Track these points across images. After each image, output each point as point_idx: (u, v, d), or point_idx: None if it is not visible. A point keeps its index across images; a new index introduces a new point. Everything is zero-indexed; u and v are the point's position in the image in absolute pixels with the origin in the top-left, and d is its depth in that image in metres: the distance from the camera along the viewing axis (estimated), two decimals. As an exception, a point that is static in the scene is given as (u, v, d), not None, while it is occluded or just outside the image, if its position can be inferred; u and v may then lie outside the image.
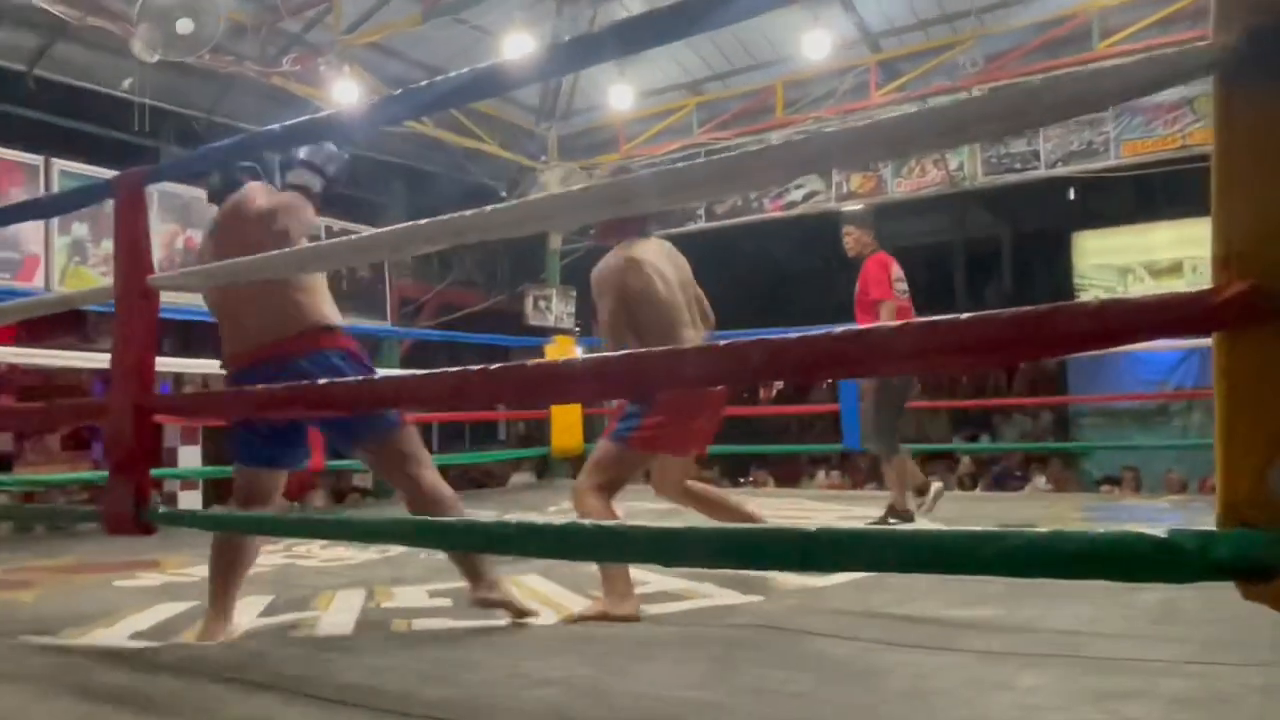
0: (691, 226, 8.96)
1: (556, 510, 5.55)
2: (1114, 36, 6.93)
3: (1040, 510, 5.10)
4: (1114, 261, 11.03)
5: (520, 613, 2.61)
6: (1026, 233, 13.43)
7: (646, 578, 3.20)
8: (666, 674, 2.02)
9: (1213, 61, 1.16)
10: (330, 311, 2.67)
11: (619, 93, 8.36)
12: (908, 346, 1.38)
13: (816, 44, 7.43)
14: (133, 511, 2.22)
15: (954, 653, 2.11)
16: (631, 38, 1.78)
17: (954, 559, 1.29)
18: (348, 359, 2.61)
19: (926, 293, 14.20)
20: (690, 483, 3.30)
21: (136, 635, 2.59)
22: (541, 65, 2.00)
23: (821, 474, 10.20)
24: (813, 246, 12.65)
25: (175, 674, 2.12)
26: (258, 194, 2.63)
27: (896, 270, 4.64)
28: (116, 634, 2.60)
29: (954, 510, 5.39)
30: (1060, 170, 7.63)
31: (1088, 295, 11.09)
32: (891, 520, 4.47)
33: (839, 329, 1.41)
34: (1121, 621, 2.36)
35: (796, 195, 8.76)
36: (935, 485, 4.59)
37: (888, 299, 4.50)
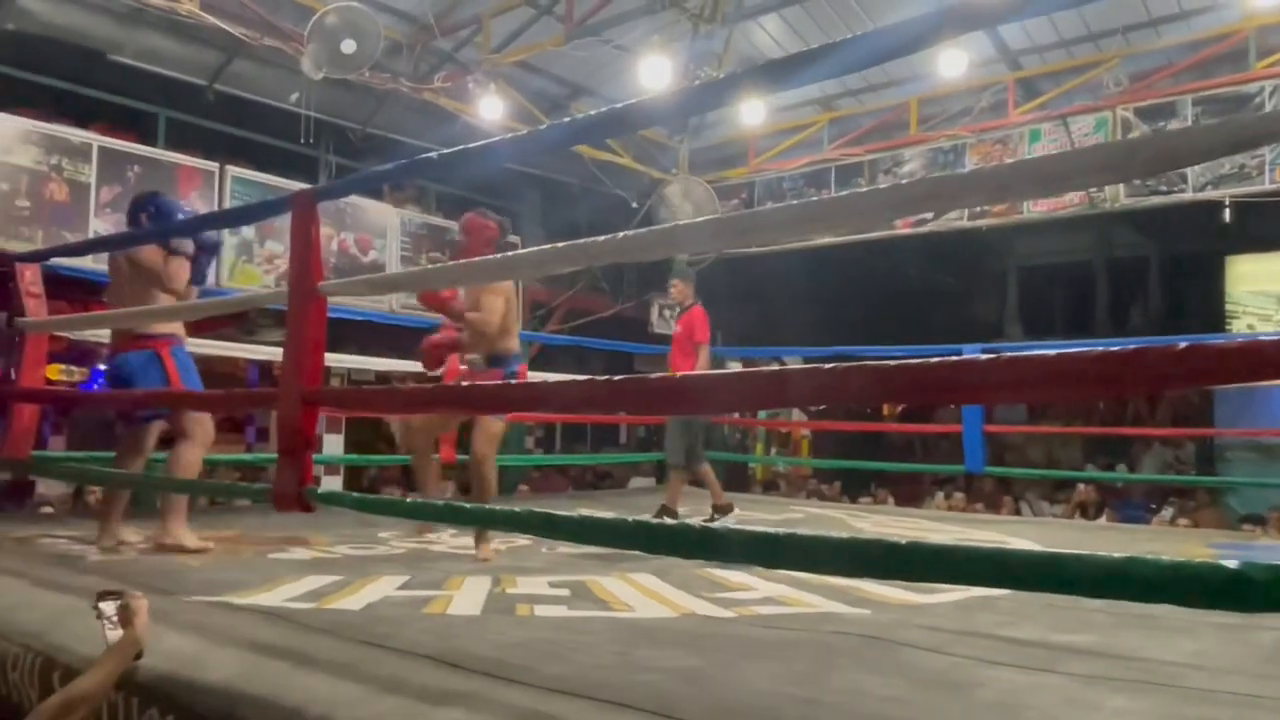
0: (818, 241, 8.98)
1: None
2: (1273, 56, 6.63)
3: (1165, 545, 4.96)
4: (1272, 288, 10.43)
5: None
6: (1176, 254, 12.79)
7: (755, 584, 3.35)
8: (767, 671, 2.16)
9: (1300, 122, 1.23)
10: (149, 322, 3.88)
11: (751, 108, 8.49)
12: (1010, 378, 1.48)
13: (953, 62, 7.38)
14: (297, 491, 2.51)
15: (1049, 674, 2.17)
16: (772, 77, 1.92)
17: (1038, 576, 1.38)
18: (152, 357, 3.85)
19: (1065, 314, 13.75)
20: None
21: (291, 600, 2.89)
22: (685, 103, 2.15)
23: (941, 495, 10.01)
24: (944, 264, 12.42)
25: (325, 635, 2.38)
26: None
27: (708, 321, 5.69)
28: (274, 598, 2.91)
29: (1067, 538, 5.31)
30: (1210, 193, 7.32)
31: (1240, 322, 10.53)
32: (660, 516, 5.30)
33: (940, 358, 1.52)
34: (1229, 658, 2.36)
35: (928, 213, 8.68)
36: (735, 511, 5.57)
37: (706, 343, 5.46)
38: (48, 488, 7.34)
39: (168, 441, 4.26)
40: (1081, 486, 8.79)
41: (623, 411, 5.51)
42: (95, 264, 6.24)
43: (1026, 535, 5.17)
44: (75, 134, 6.59)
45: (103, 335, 6.20)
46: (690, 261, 9.86)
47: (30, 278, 4.26)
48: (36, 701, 2.34)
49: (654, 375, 1.96)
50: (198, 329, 6.70)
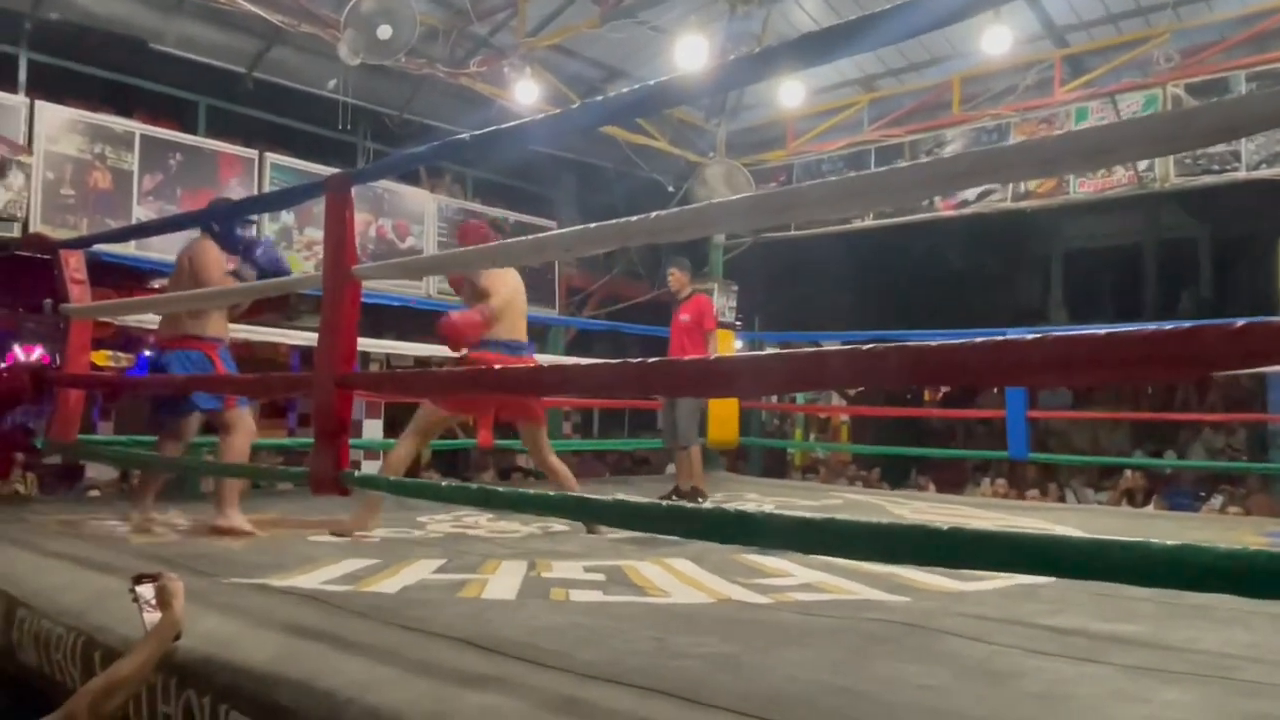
0: (857, 223, 8.87)
1: (707, 503, 5.66)
2: (1332, 28, 6.40)
3: (1216, 533, 4.83)
4: (1328, 271, 10.09)
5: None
6: (1228, 236, 12.44)
7: (793, 570, 3.30)
8: (802, 658, 2.12)
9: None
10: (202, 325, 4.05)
11: (789, 90, 8.38)
12: (1054, 359, 1.43)
13: (997, 39, 7.21)
14: (333, 474, 2.51)
15: (1096, 664, 2.11)
16: (808, 52, 1.85)
17: (1084, 563, 1.33)
18: (203, 358, 4.00)
19: (1113, 298, 13.46)
20: (550, 459, 4.37)
21: (328, 583, 2.90)
22: (720, 78, 2.10)
23: (986, 481, 9.86)
24: (986, 247, 12.20)
25: (361, 618, 2.39)
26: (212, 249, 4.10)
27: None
28: (312, 580, 2.92)
29: (1113, 525, 5.19)
30: (1264, 172, 7.09)
31: (1293, 308, 10.22)
32: (695, 499, 5.37)
33: (981, 339, 1.47)
34: (1284, 649, 2.28)
35: (970, 194, 8.51)
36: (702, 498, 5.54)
37: (716, 330, 5.77)
38: (96, 472, 7.48)
39: (209, 429, 4.35)
40: (1129, 473, 8.61)
41: (653, 394, 5.52)
42: (139, 251, 6.34)
43: (1070, 522, 5.07)
44: (118, 123, 6.68)
45: (148, 321, 6.33)
46: (727, 246, 9.80)
47: (74, 264, 4.32)
48: (79, 681, 2.37)
49: (684, 359, 1.92)
50: (239, 315, 6.79)
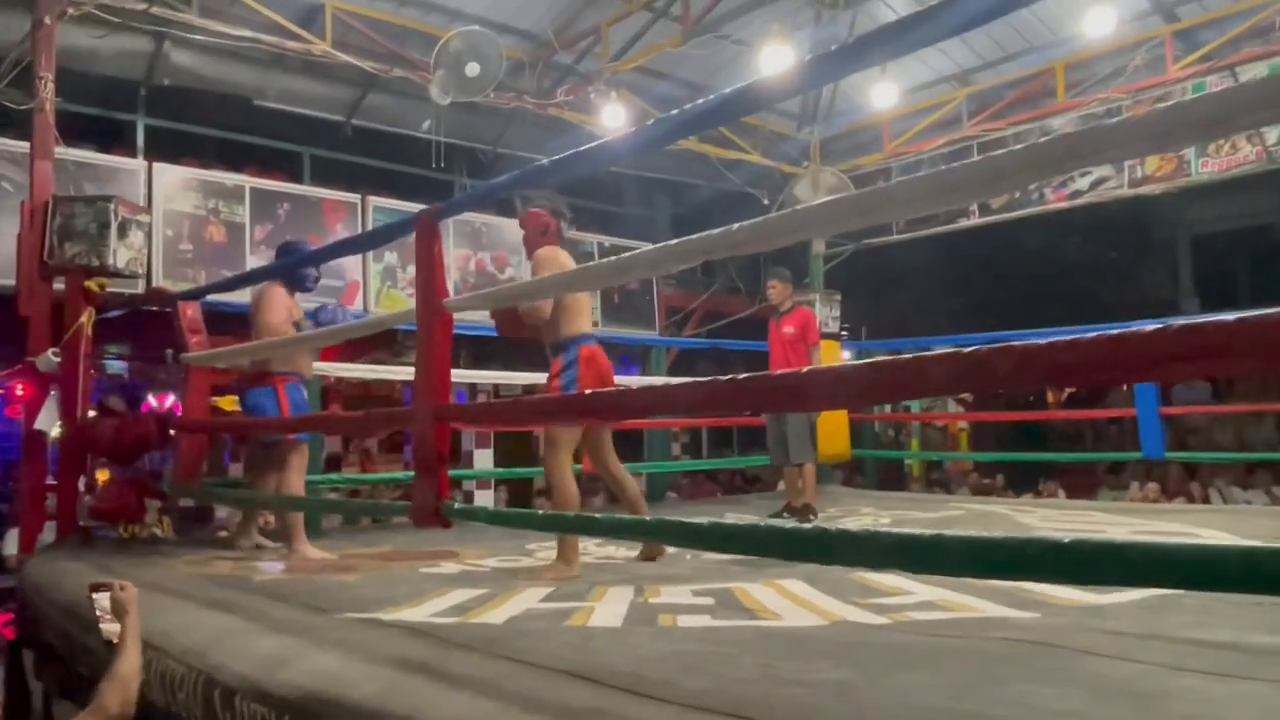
0: (963, 223, 8.58)
1: (817, 520, 5.49)
2: None
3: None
4: None
5: None
6: (1372, 216, 11.52)
7: (912, 588, 3.15)
8: (922, 682, 1.99)
9: None
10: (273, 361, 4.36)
11: (882, 91, 8.19)
12: (1184, 349, 1.29)
13: (1101, 20, 6.88)
14: (435, 506, 2.51)
15: (1252, 681, 1.92)
16: (890, 42, 1.77)
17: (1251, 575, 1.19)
18: (269, 393, 4.33)
19: (1247, 284, 12.60)
20: (611, 464, 4.05)
21: (437, 615, 2.90)
22: (801, 79, 2.01)
23: (1134, 485, 9.24)
24: (1105, 238, 11.61)
25: (467, 650, 2.37)
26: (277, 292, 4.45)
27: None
28: (421, 613, 2.93)
29: (1272, 527, 4.82)
30: None
31: None
32: (806, 517, 5.29)
33: (1091, 334, 1.35)
34: None
35: (1082, 183, 8.12)
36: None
37: (820, 344, 5.64)
38: (228, 513, 7.80)
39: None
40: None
41: (748, 411, 5.46)
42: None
43: (1218, 525, 4.72)
44: (229, 178, 6.99)
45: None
46: (828, 256, 9.61)
47: (191, 315, 4.52)
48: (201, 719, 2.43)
49: (778, 372, 1.84)
50: (351, 354, 6.98)
